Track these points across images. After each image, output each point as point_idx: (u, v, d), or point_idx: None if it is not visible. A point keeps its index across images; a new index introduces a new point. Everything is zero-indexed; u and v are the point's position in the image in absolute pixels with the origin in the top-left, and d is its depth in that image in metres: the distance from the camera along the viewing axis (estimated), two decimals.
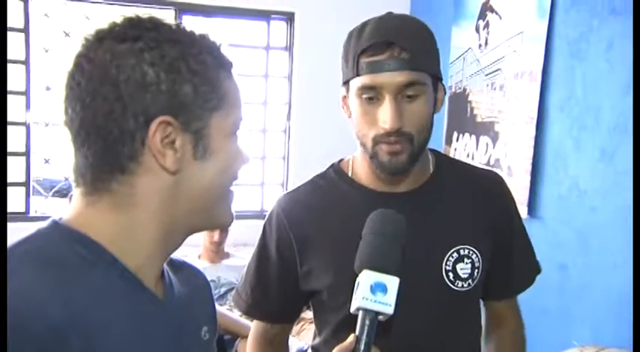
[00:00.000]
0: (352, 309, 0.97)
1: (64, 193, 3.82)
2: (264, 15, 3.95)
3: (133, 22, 0.77)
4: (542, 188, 2.69)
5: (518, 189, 2.73)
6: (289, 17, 3.96)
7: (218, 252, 3.40)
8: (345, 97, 1.23)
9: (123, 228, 0.78)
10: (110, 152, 0.75)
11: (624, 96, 2.24)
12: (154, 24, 0.77)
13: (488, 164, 2.97)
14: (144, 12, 0.80)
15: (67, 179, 3.94)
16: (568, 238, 2.52)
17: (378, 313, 0.95)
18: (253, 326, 1.40)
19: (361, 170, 1.27)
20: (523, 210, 2.67)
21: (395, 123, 1.13)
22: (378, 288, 0.95)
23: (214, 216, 0.84)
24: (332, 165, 1.33)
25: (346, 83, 1.19)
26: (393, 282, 0.96)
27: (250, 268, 1.35)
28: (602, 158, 2.35)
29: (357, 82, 1.15)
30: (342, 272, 1.22)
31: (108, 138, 0.75)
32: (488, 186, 1.32)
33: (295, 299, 1.34)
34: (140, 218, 0.78)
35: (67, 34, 3.78)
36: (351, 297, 0.99)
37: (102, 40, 0.76)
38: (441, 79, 1.23)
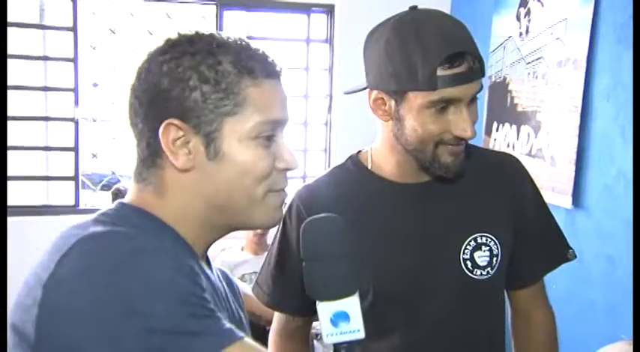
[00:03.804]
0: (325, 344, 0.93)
1: (111, 186, 3.93)
2: (305, 8, 3.96)
3: (170, 40, 0.87)
4: (587, 178, 2.63)
5: (562, 179, 2.67)
6: (329, 10, 3.96)
7: (260, 244, 3.44)
8: (381, 100, 1.19)
9: (167, 211, 0.87)
10: (145, 148, 0.87)
11: None
12: (187, 38, 0.87)
13: (530, 154, 2.92)
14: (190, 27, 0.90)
15: (113, 173, 4.05)
16: (615, 229, 2.45)
17: (351, 342, 0.88)
18: (275, 318, 1.41)
19: (383, 162, 1.27)
20: (567, 201, 2.62)
21: (473, 131, 1.14)
22: (339, 318, 0.88)
23: (251, 217, 0.89)
24: (350, 157, 1.33)
25: (402, 92, 1.14)
26: (352, 304, 0.88)
27: (271, 260, 1.36)
28: None
29: (432, 95, 1.11)
30: (360, 263, 1.23)
31: (142, 137, 0.87)
32: (505, 170, 1.32)
33: None
34: (175, 207, 0.87)
35: (112, 32, 3.87)
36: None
37: (149, 55, 0.87)
38: None
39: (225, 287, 0.97)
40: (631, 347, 2.08)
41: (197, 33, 0.87)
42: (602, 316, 2.51)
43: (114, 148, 3.94)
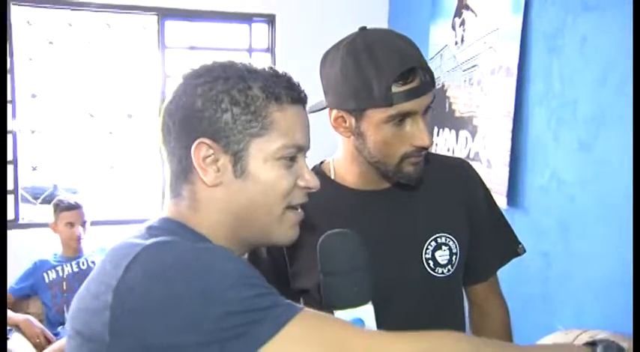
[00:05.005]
0: None
1: (51, 200, 3.84)
2: (246, 18, 4.01)
3: (205, 65, 0.94)
4: (523, 179, 2.77)
5: (498, 181, 2.81)
6: (270, 20, 4.02)
7: None
8: (341, 118, 1.24)
9: (202, 225, 0.93)
10: (177, 165, 0.93)
11: (599, 88, 2.32)
12: (220, 65, 0.93)
13: (468, 157, 3.04)
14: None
15: (55, 186, 3.96)
16: (549, 227, 2.60)
17: None
18: None
19: (345, 172, 1.33)
20: (502, 201, 2.76)
21: (431, 140, 1.21)
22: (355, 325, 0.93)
23: (269, 234, 0.96)
24: (314, 168, 1.37)
25: (360, 109, 1.20)
26: (367, 312, 0.97)
27: None
28: (580, 149, 2.43)
29: (389, 110, 1.18)
30: None
31: (174, 153, 0.93)
32: (459, 174, 1.40)
33: (287, 298, 1.39)
34: (208, 221, 0.93)
35: (50, 43, 3.80)
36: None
37: (184, 78, 0.94)
38: None
39: None
40: (567, 337, 2.21)
41: (230, 61, 0.95)
42: (539, 309, 2.65)
43: (54, 160, 3.86)
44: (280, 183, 0.93)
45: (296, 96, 0.95)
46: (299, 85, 0.97)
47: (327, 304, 0.98)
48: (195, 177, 0.92)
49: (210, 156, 0.90)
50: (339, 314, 0.96)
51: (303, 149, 0.97)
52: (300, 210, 0.99)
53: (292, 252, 1.31)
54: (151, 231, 0.90)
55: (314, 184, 0.98)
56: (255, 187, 0.91)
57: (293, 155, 0.94)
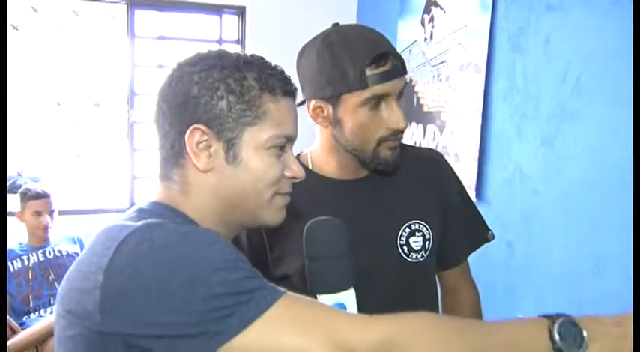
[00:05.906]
0: None
1: (16, 188, 3.78)
2: (216, 9, 4.01)
3: (200, 53, 0.98)
4: (488, 173, 2.86)
5: (466, 175, 2.89)
6: (240, 11, 4.03)
7: None
8: (319, 108, 1.30)
9: (191, 209, 0.97)
10: (169, 149, 0.96)
11: (561, 85, 2.42)
12: (216, 54, 0.98)
13: None
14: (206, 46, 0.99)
15: (20, 174, 3.91)
16: (513, 219, 2.69)
17: None
18: None
19: (323, 162, 1.38)
20: (471, 194, 2.84)
21: (406, 122, 1.27)
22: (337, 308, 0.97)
23: (259, 216, 1.00)
24: None
25: (337, 95, 1.26)
26: (348, 296, 1.02)
27: None
28: (542, 144, 2.52)
29: (364, 93, 1.23)
30: None
31: (167, 137, 0.96)
32: (431, 163, 1.47)
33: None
34: (198, 205, 0.96)
35: (15, 28, 3.74)
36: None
37: (179, 65, 0.97)
38: None
39: None
40: None
41: (224, 50, 0.99)
42: (502, 297, 2.75)
43: (19, 149, 3.80)
44: (269, 171, 0.96)
45: (288, 88, 0.99)
46: (290, 78, 1.00)
47: (311, 289, 1.03)
48: (187, 162, 0.95)
49: (203, 141, 0.93)
50: (322, 298, 1.01)
51: (292, 140, 1.00)
52: (288, 194, 1.03)
53: (273, 239, 1.35)
54: (141, 213, 0.92)
55: (300, 174, 1.01)
56: (246, 174, 0.95)
57: (283, 144, 0.98)
